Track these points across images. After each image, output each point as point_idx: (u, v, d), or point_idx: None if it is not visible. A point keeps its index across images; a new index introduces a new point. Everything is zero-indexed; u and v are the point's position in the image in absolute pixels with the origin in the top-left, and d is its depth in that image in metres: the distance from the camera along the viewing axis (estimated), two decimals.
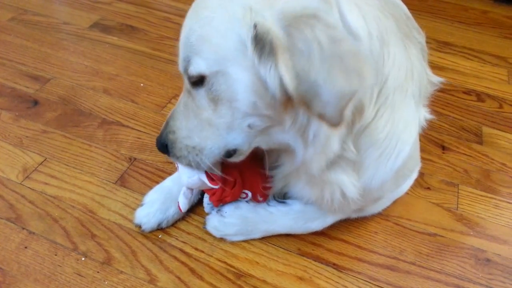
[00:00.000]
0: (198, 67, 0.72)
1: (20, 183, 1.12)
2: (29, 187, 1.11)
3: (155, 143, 0.90)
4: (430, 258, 1.06)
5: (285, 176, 0.94)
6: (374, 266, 1.03)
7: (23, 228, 1.03)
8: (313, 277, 0.99)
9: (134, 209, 1.08)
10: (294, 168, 0.87)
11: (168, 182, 1.09)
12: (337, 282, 0.99)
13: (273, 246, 1.03)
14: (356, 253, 1.04)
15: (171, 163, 1.22)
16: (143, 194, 1.12)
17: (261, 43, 0.65)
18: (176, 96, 1.42)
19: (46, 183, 1.13)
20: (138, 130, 1.31)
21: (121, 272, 0.96)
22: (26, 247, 0.99)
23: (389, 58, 0.80)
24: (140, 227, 1.03)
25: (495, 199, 1.22)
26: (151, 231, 1.03)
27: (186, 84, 0.79)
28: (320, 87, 0.62)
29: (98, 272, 0.96)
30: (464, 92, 1.59)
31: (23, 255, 0.98)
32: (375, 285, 0.99)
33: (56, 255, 0.98)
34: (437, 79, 0.98)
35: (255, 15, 0.65)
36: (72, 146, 1.23)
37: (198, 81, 0.74)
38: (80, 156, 1.21)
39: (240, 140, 0.80)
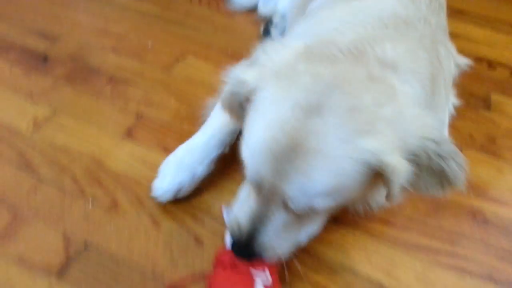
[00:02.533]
0: (326, 204, 0.74)
1: (30, 133, 1.16)
2: (38, 138, 1.16)
3: (240, 256, 0.82)
4: (427, 215, 1.07)
5: None
6: (371, 220, 1.05)
7: (33, 175, 1.07)
8: None
9: (140, 161, 1.12)
10: None
11: (181, 152, 1.09)
12: (334, 231, 1.01)
13: None
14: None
15: (177, 119, 1.24)
16: (148, 147, 1.16)
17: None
18: (183, 56, 1.44)
19: (55, 135, 1.17)
20: (145, 87, 1.33)
21: (127, 216, 1.00)
22: (36, 192, 1.03)
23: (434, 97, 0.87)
24: (156, 198, 1.01)
25: (498, 163, 1.22)
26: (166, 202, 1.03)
27: (291, 210, 0.76)
28: (420, 188, 0.76)
29: (104, 215, 1.00)
30: (476, 60, 1.58)
31: (33, 198, 1.02)
32: (371, 236, 1.02)
33: (64, 199, 1.02)
34: (463, 61, 1.01)
35: (385, 158, 0.68)
36: (80, 101, 1.26)
37: None
38: (88, 110, 1.24)
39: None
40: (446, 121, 0.97)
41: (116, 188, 1.06)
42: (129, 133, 1.19)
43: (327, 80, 0.71)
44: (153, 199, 1.03)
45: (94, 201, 1.03)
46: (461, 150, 1.21)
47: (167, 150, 1.16)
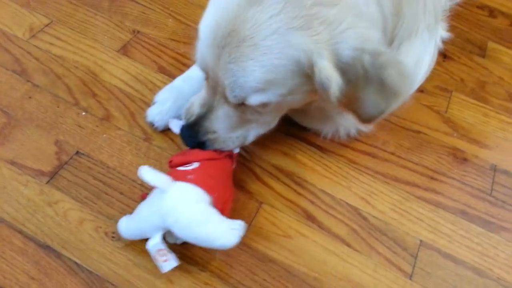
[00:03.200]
0: (261, 99, 0.76)
1: (26, 41, 1.16)
2: (34, 45, 1.15)
3: (185, 139, 0.87)
4: (410, 151, 1.11)
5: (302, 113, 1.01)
6: (355, 151, 1.09)
7: (28, 81, 1.08)
8: (297, 154, 1.06)
9: (135, 77, 1.13)
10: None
11: (178, 82, 1.09)
12: (318, 160, 1.05)
13: None
14: (341, 140, 1.09)
15: (174, 39, 1.24)
16: (143, 64, 1.16)
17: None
18: None
19: (51, 43, 1.16)
20: (143, 5, 1.31)
21: (119, 128, 1.03)
22: (30, 97, 1.05)
23: (402, 21, 0.85)
24: (153, 124, 1.02)
25: (485, 108, 1.25)
26: (163, 129, 1.04)
27: (231, 102, 0.79)
28: (363, 103, 0.76)
29: (97, 126, 1.02)
30: (478, 7, 1.56)
31: (27, 103, 1.03)
32: (353, 167, 1.06)
33: (58, 107, 1.04)
34: None
35: (316, 60, 0.70)
36: (78, 13, 1.25)
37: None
38: (85, 23, 1.23)
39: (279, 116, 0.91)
40: (429, 50, 0.97)
41: (109, 101, 1.07)
42: (125, 49, 1.19)
43: None
44: (145, 116, 1.05)
45: (88, 112, 1.04)
46: (451, 93, 1.25)
47: (162, 69, 1.17)
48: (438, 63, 1.31)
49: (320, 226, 0.95)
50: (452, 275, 0.93)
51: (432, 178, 1.07)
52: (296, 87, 0.76)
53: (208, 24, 0.75)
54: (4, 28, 1.18)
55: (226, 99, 0.79)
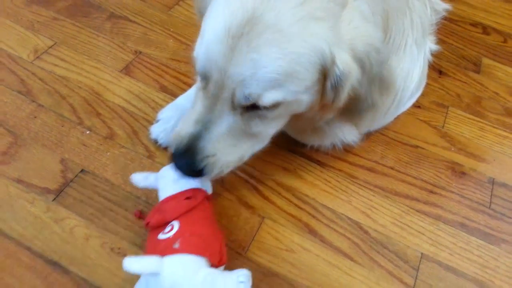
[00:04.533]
0: (276, 97, 0.72)
1: (31, 62, 1.18)
2: (39, 66, 1.18)
3: (180, 169, 0.79)
4: (409, 165, 1.13)
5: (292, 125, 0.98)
6: (354, 166, 1.11)
7: (33, 101, 1.10)
8: (297, 169, 1.07)
9: (137, 96, 1.15)
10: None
11: (181, 100, 1.11)
12: (318, 175, 1.07)
13: None
14: (339, 155, 1.11)
15: (175, 59, 1.27)
16: (146, 84, 1.19)
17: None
18: None
19: (55, 65, 1.19)
20: (144, 27, 1.35)
21: (123, 146, 1.05)
22: (35, 117, 1.07)
23: (389, 36, 0.89)
24: (157, 142, 1.04)
25: (481, 122, 1.28)
26: (167, 147, 1.04)
27: (238, 106, 0.75)
28: (361, 100, 0.79)
29: (101, 144, 1.04)
30: (471, 24, 1.60)
31: (32, 123, 1.06)
32: (353, 181, 1.08)
33: (63, 126, 1.06)
34: (442, 7, 1.03)
35: (338, 53, 0.71)
36: (81, 34, 1.28)
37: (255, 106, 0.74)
38: (88, 44, 1.26)
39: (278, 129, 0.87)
40: (419, 62, 1.00)
41: (113, 120, 1.09)
42: (128, 69, 1.22)
43: None
44: (148, 133, 1.07)
45: (92, 130, 1.06)
46: (448, 108, 1.27)
47: (164, 88, 1.20)
48: (433, 79, 1.36)
49: (322, 240, 0.97)
50: (454, 287, 0.94)
51: (431, 191, 1.09)
52: (311, 83, 0.75)
53: (218, 18, 0.71)
54: (9, 50, 1.21)
55: (233, 105, 0.74)
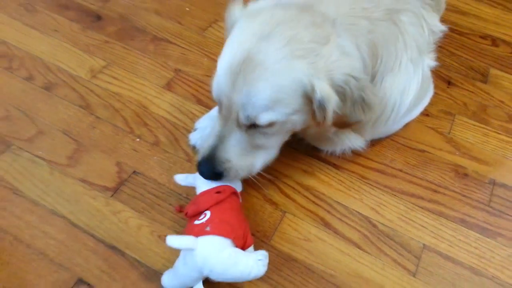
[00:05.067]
0: (269, 118, 0.92)
1: (89, 80, 1.40)
2: (95, 84, 1.39)
3: (204, 174, 0.99)
4: (416, 168, 1.27)
5: (309, 134, 1.18)
6: (366, 168, 1.26)
7: (92, 114, 1.31)
8: (315, 171, 1.24)
9: (178, 108, 1.34)
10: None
11: (214, 111, 1.28)
12: (333, 176, 1.23)
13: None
14: (353, 158, 1.27)
15: (209, 76, 1.46)
16: (184, 97, 1.38)
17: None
18: (216, 22, 1.63)
19: (109, 82, 1.40)
20: (182, 47, 1.54)
21: (166, 151, 1.24)
22: (94, 127, 1.28)
23: (380, 60, 1.05)
24: (194, 147, 1.22)
25: (486, 129, 1.40)
26: None
27: (242, 125, 0.95)
28: (349, 115, 0.96)
29: (149, 150, 1.24)
30: (481, 37, 1.72)
31: (92, 132, 1.26)
32: (365, 182, 1.23)
33: (117, 135, 1.26)
34: (439, 29, 1.18)
35: (316, 82, 0.89)
36: (129, 55, 1.49)
37: (255, 124, 0.94)
38: (135, 64, 1.46)
39: (279, 142, 1.07)
40: (416, 78, 1.13)
41: (158, 129, 1.29)
42: (169, 85, 1.41)
43: (279, 18, 0.92)
44: (187, 140, 1.26)
45: (141, 138, 1.26)
46: (454, 116, 1.40)
47: (200, 101, 1.38)
48: (442, 89, 1.49)
49: (336, 232, 1.13)
50: (452, 274, 1.08)
51: (435, 191, 1.23)
52: (299, 107, 0.93)
53: (225, 58, 0.93)
54: (70, 70, 1.43)
55: (238, 124, 0.94)
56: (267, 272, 1.00)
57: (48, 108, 1.31)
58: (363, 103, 0.94)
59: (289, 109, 0.93)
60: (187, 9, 1.68)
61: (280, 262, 1.06)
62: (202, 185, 1.02)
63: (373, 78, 1.06)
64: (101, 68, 1.44)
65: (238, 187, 1.06)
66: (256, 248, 1.03)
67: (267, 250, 1.04)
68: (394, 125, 1.25)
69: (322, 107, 0.92)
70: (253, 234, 1.09)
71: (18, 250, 1.04)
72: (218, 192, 0.98)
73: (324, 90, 0.89)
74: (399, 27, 1.06)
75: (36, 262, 1.02)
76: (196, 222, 0.94)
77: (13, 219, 1.09)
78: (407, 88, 1.12)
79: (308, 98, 0.92)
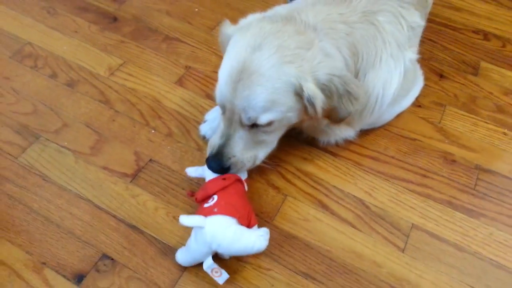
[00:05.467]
0: (268, 118, 1.06)
1: (107, 77, 1.53)
2: (113, 81, 1.52)
3: (213, 169, 1.12)
4: (407, 155, 1.39)
5: (306, 127, 1.31)
6: (361, 155, 1.37)
7: (111, 108, 1.44)
8: (314, 158, 1.36)
9: (189, 102, 1.47)
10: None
11: None
12: (331, 163, 1.35)
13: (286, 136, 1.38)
14: (349, 146, 1.38)
15: (217, 72, 1.57)
16: (195, 92, 1.50)
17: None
18: (223, 20, 1.74)
19: (125, 79, 1.53)
20: (192, 46, 1.66)
21: (179, 142, 1.37)
22: (113, 120, 1.41)
23: (361, 58, 1.16)
24: (205, 137, 1.35)
25: (474, 119, 1.50)
26: None
27: (245, 125, 1.08)
28: (337, 110, 1.08)
29: (163, 140, 1.37)
30: (473, 31, 1.81)
31: (112, 125, 1.40)
32: (359, 168, 1.35)
33: (134, 127, 1.40)
34: (417, 24, 1.29)
35: (304, 83, 1.02)
36: (143, 54, 1.61)
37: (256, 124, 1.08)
38: (149, 62, 1.59)
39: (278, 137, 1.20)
40: (398, 71, 1.24)
41: (171, 121, 1.42)
42: (180, 81, 1.54)
43: (267, 31, 1.05)
44: (198, 131, 1.39)
45: (156, 130, 1.39)
46: (445, 107, 1.51)
47: (209, 96, 1.50)
48: (434, 82, 1.60)
49: (332, 212, 1.25)
50: (437, 250, 1.19)
51: (424, 176, 1.34)
52: (292, 105, 1.06)
53: (224, 69, 1.07)
54: (90, 68, 1.56)
55: (241, 124, 1.07)
56: (270, 248, 1.14)
57: (71, 103, 1.45)
58: (350, 96, 1.07)
59: (284, 107, 1.06)
60: (196, 10, 1.80)
61: (281, 239, 1.18)
62: (210, 175, 1.15)
63: (356, 74, 1.17)
64: (118, 66, 1.57)
65: (243, 175, 1.19)
66: (260, 227, 1.15)
67: (270, 229, 1.16)
68: (382, 116, 1.36)
69: (311, 103, 1.04)
70: (257, 215, 1.21)
71: (49, 229, 1.17)
72: (224, 179, 1.11)
73: (310, 89, 1.02)
74: (376, 27, 1.18)
75: (66, 240, 1.16)
76: (205, 205, 1.07)
77: (44, 202, 1.22)
78: (388, 81, 1.23)
79: (299, 97, 1.05)
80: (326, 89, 1.04)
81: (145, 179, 1.28)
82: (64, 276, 1.10)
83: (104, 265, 1.11)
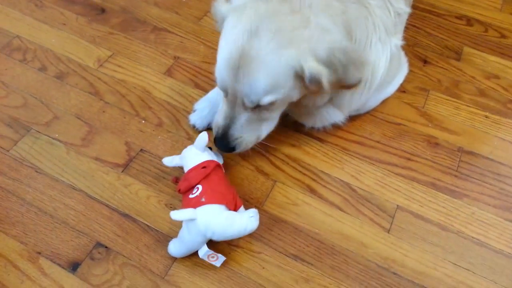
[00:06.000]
0: (270, 99, 1.07)
1: (96, 69, 1.54)
2: (102, 72, 1.54)
3: (220, 148, 1.18)
4: (392, 139, 1.42)
5: (293, 111, 1.32)
6: (347, 141, 1.41)
7: (101, 99, 1.46)
8: (301, 145, 1.39)
9: (178, 92, 1.49)
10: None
11: (212, 94, 1.43)
12: (318, 149, 1.38)
13: None
14: (335, 132, 1.42)
15: (205, 62, 1.60)
16: (184, 83, 1.52)
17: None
18: (210, 11, 1.75)
19: (114, 70, 1.54)
20: (180, 36, 1.68)
21: (169, 131, 1.39)
22: (104, 111, 1.43)
23: (355, 40, 1.16)
24: (194, 126, 1.37)
25: (457, 102, 1.54)
26: (202, 130, 1.37)
27: (248, 107, 1.09)
28: (346, 79, 1.08)
29: (153, 130, 1.39)
30: (456, 17, 1.85)
31: (102, 116, 1.42)
32: (346, 153, 1.38)
33: (124, 117, 1.42)
34: (404, 11, 1.31)
35: (304, 64, 1.02)
36: (132, 45, 1.63)
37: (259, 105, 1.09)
38: (138, 53, 1.61)
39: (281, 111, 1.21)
40: (385, 55, 1.26)
41: (160, 111, 1.44)
42: (169, 72, 1.56)
43: (263, 13, 1.05)
44: (187, 120, 1.41)
45: (146, 120, 1.42)
46: (429, 92, 1.54)
47: (198, 85, 1.53)
48: (419, 68, 1.63)
49: (320, 196, 1.28)
50: (421, 230, 1.24)
51: (408, 159, 1.38)
52: (293, 86, 1.07)
53: (223, 55, 1.07)
54: (79, 60, 1.57)
55: (244, 106, 1.09)
56: (260, 231, 1.17)
57: (61, 95, 1.46)
58: (355, 63, 1.06)
59: (286, 89, 1.07)
60: (183, 0, 1.81)
61: (271, 223, 1.22)
62: (188, 163, 1.17)
63: None
64: (107, 58, 1.58)
65: (220, 160, 1.23)
66: (248, 209, 1.19)
67: (260, 214, 1.20)
68: (368, 102, 1.39)
69: (316, 81, 1.05)
70: (247, 201, 1.25)
71: (43, 220, 1.20)
72: (204, 167, 1.13)
73: (313, 68, 1.02)
74: (368, 9, 1.19)
75: (60, 230, 1.18)
76: (191, 196, 1.10)
77: (37, 193, 1.25)
78: (377, 64, 1.25)
79: (300, 77, 1.06)
80: (329, 63, 1.03)
81: (137, 168, 1.30)
82: (59, 265, 1.12)
83: (99, 253, 1.14)
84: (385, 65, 1.27)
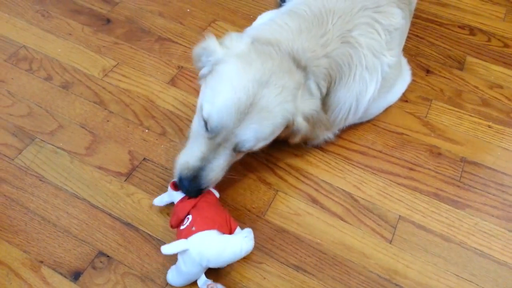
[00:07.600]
0: (262, 144, 1.15)
1: (101, 79, 1.56)
2: (107, 82, 1.55)
3: (188, 189, 1.11)
4: (394, 149, 1.43)
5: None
6: (350, 150, 1.41)
7: (105, 109, 1.47)
8: (304, 154, 1.40)
9: (181, 102, 1.51)
10: None
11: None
12: (320, 159, 1.39)
13: None
14: (337, 141, 1.42)
15: None
16: (187, 92, 1.54)
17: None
18: (214, 21, 1.78)
19: (119, 80, 1.56)
20: (184, 46, 1.69)
21: (172, 141, 1.40)
22: (108, 121, 1.44)
23: (334, 82, 1.27)
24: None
25: (460, 112, 1.54)
26: None
27: (236, 150, 1.12)
28: (310, 134, 1.24)
29: (157, 139, 1.40)
30: (459, 27, 1.85)
31: (106, 125, 1.43)
32: (348, 162, 1.38)
33: (128, 127, 1.43)
34: (393, 27, 1.34)
35: (295, 118, 1.16)
36: (136, 55, 1.65)
37: None
38: (142, 63, 1.62)
39: None
40: (374, 80, 1.31)
41: (164, 121, 1.45)
42: (173, 81, 1.57)
43: (270, 68, 1.11)
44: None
45: (149, 129, 1.43)
46: (431, 101, 1.55)
47: None
48: (421, 77, 1.64)
49: (322, 206, 1.29)
50: (424, 240, 1.23)
51: (411, 169, 1.38)
52: (279, 132, 1.17)
53: (228, 99, 1.06)
54: (84, 70, 1.59)
55: (234, 149, 1.11)
56: (262, 242, 1.18)
57: (66, 105, 1.48)
58: (321, 123, 1.24)
59: (275, 135, 1.17)
60: (188, 10, 1.83)
61: (273, 233, 1.22)
62: (176, 197, 1.17)
63: (328, 94, 1.26)
64: (112, 67, 1.60)
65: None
66: (251, 223, 1.20)
67: (262, 224, 1.21)
68: (368, 111, 1.40)
69: (296, 132, 1.20)
70: (249, 210, 1.25)
71: (46, 229, 1.21)
72: (190, 198, 1.12)
73: (300, 122, 1.17)
74: (351, 44, 1.25)
75: (62, 238, 1.19)
76: (182, 227, 1.08)
77: (41, 202, 1.26)
78: (363, 92, 1.30)
79: (286, 126, 1.17)
80: (308, 121, 1.19)
81: (140, 177, 1.31)
82: (61, 274, 1.13)
83: (101, 262, 1.15)
84: (374, 88, 1.31)
